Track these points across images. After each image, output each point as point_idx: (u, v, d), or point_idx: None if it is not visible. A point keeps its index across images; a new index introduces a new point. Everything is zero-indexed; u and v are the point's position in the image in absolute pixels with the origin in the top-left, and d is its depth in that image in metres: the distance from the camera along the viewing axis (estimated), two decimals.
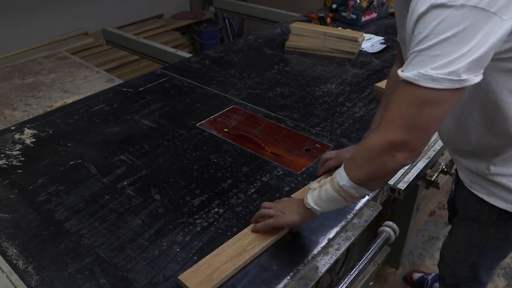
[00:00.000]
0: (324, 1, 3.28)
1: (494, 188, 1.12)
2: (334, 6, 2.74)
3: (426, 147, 1.47)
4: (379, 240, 1.18)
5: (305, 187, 1.26)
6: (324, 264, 1.05)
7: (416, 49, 0.78)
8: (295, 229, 1.12)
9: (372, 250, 1.15)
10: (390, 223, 1.21)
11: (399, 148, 0.83)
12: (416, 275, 2.07)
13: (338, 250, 1.09)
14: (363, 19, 2.59)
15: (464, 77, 0.75)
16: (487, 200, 1.14)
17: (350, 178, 0.91)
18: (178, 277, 0.97)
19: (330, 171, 1.28)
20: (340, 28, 2.39)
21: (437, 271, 1.55)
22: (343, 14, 2.63)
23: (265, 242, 1.06)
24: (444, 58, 0.75)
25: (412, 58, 0.79)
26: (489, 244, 1.24)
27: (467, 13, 0.73)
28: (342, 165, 0.95)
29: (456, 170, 1.29)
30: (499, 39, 0.76)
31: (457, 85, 0.76)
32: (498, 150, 1.06)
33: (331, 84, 1.91)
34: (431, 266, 2.18)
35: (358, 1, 2.60)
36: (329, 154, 1.32)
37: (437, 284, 1.88)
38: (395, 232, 1.20)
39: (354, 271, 1.10)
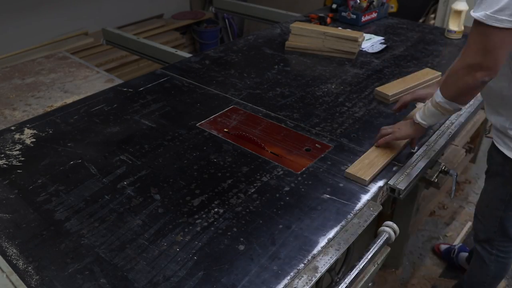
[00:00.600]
0: (324, 1, 3.28)
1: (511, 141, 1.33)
2: (334, 6, 2.73)
3: (427, 147, 1.47)
4: (379, 240, 1.18)
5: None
6: (324, 264, 1.05)
7: None
8: (414, 143, 1.42)
9: (372, 250, 1.15)
10: (390, 223, 1.21)
11: (476, 68, 1.08)
12: (444, 246, 2.22)
13: (338, 250, 1.09)
14: (363, 19, 2.59)
15: None
16: (508, 155, 1.35)
17: (444, 96, 1.20)
18: (346, 170, 1.30)
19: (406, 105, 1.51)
20: (340, 28, 2.38)
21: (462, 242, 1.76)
22: (343, 14, 2.63)
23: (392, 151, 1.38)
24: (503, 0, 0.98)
25: (480, 1, 1.03)
26: None
27: None
28: (439, 86, 1.23)
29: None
30: None
31: None
32: None
33: (331, 84, 1.91)
34: (431, 266, 2.18)
35: (358, 1, 2.60)
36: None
37: (463, 253, 2.09)
38: (395, 232, 1.20)
39: (354, 271, 1.10)
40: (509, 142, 1.35)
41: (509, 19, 0.99)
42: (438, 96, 1.23)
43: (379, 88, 1.78)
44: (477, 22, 1.04)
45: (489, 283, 1.70)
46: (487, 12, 1.00)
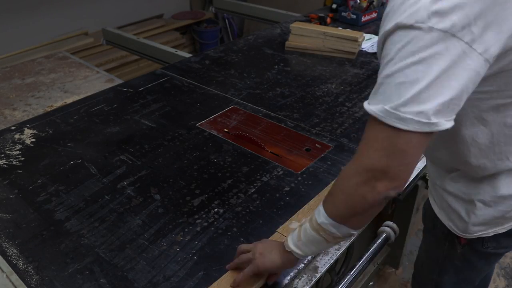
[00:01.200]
0: (324, 1, 3.28)
1: (443, 203, 1.05)
2: (334, 6, 2.73)
3: None
4: (379, 240, 1.18)
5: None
6: (324, 264, 1.05)
7: (382, 74, 0.71)
8: (274, 278, 0.98)
9: (372, 250, 1.15)
10: (390, 223, 1.21)
11: (378, 176, 0.72)
12: None
13: (338, 250, 1.09)
14: (363, 19, 2.59)
15: (434, 120, 0.66)
16: (436, 213, 1.08)
17: (328, 214, 0.81)
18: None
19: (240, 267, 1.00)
20: (340, 28, 2.38)
21: None
22: (343, 14, 2.63)
23: None
24: (409, 88, 0.66)
25: (378, 86, 0.72)
26: (448, 262, 1.13)
27: (435, 37, 0.65)
28: (322, 201, 0.84)
29: None
30: (474, 75, 0.67)
31: (427, 129, 0.67)
32: (455, 167, 0.99)
33: (331, 84, 1.91)
34: None
35: (358, 1, 2.60)
36: (244, 246, 1.02)
37: None
38: (395, 232, 1.20)
39: (354, 271, 1.10)
40: (440, 198, 1.07)
41: (415, 118, 0.66)
42: (320, 215, 0.83)
43: None
44: (373, 120, 0.72)
45: None
46: (386, 107, 0.68)
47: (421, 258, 1.29)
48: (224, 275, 1.00)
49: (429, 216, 1.14)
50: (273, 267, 0.94)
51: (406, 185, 0.76)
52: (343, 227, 0.81)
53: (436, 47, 0.65)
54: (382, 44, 0.74)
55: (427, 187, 1.73)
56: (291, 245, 0.89)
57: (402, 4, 0.69)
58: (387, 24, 0.71)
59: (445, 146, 0.95)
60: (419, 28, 0.66)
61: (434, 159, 1.05)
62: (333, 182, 0.89)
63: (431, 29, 0.65)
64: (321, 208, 0.83)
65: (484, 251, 1.04)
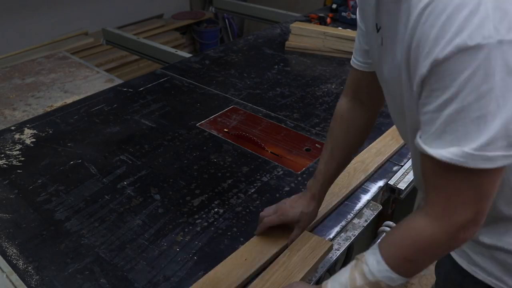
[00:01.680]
0: (324, 1, 3.28)
1: (477, 256, 0.86)
2: (334, 6, 2.73)
3: None
4: (379, 240, 1.17)
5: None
6: (324, 264, 1.05)
7: (444, 112, 0.59)
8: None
9: None
10: (390, 223, 1.21)
11: (468, 226, 0.66)
12: None
13: (338, 250, 1.09)
14: None
15: None
16: (468, 270, 0.88)
17: (399, 272, 0.72)
18: None
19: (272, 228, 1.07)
20: (340, 28, 2.38)
21: None
22: (343, 14, 2.63)
23: None
24: (493, 120, 0.56)
25: (442, 125, 0.60)
26: None
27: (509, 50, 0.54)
28: (370, 266, 0.74)
29: None
30: None
31: None
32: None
33: (331, 84, 1.91)
34: (431, 266, 2.17)
35: None
36: (268, 210, 1.08)
37: None
38: None
39: None
40: (471, 252, 0.87)
41: (504, 153, 0.58)
42: (382, 272, 0.73)
43: None
44: (449, 167, 0.61)
45: None
46: (467, 150, 0.58)
47: None
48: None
49: (454, 281, 0.94)
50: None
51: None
52: (404, 278, 0.73)
53: None
54: (427, 73, 0.59)
55: None
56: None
57: (447, 24, 0.55)
58: (436, 48, 0.57)
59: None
60: (487, 46, 0.54)
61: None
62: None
63: (501, 42, 0.53)
64: (384, 265, 0.73)
65: None
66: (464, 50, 0.54)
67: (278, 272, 0.95)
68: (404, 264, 0.72)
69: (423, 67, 0.59)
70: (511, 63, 0.54)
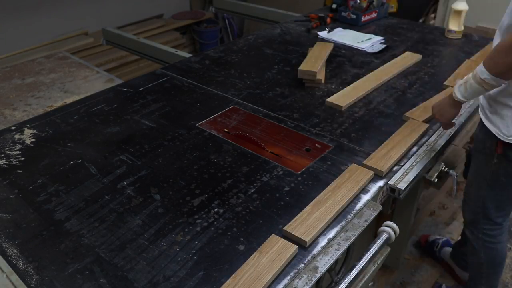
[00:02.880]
0: (324, 1, 3.28)
1: (493, 115, 1.33)
2: (334, 6, 2.73)
3: (427, 147, 1.47)
4: (379, 240, 1.18)
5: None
6: (324, 264, 1.05)
7: None
8: (451, 126, 1.46)
9: (372, 250, 1.15)
10: (390, 223, 1.21)
11: None
12: (431, 238, 2.20)
13: (338, 250, 1.09)
14: (363, 19, 2.59)
15: None
16: (486, 125, 1.36)
17: (491, 72, 1.18)
18: (284, 228, 1.10)
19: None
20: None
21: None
22: (343, 14, 2.63)
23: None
24: None
25: None
26: (494, 178, 1.41)
27: None
28: (481, 63, 1.21)
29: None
30: None
31: None
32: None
33: (331, 84, 1.91)
34: (431, 266, 2.18)
35: (358, 1, 2.60)
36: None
37: (447, 248, 2.07)
38: (395, 232, 1.20)
39: (354, 271, 1.10)
40: (490, 111, 1.36)
41: None
42: (483, 73, 1.20)
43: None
44: None
45: (486, 274, 1.66)
46: None
47: (470, 180, 1.53)
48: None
49: (480, 138, 1.42)
50: (453, 116, 1.40)
51: None
52: (500, 80, 1.19)
53: None
54: None
55: (427, 187, 1.74)
56: (459, 96, 1.31)
57: None
58: None
59: None
60: None
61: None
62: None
63: None
64: (483, 68, 1.20)
65: None
66: None
67: (249, 272, 1.00)
68: (492, 66, 1.18)
69: None
70: None
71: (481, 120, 1.42)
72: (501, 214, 1.52)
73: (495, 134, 1.34)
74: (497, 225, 1.54)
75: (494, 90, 1.30)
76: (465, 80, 1.29)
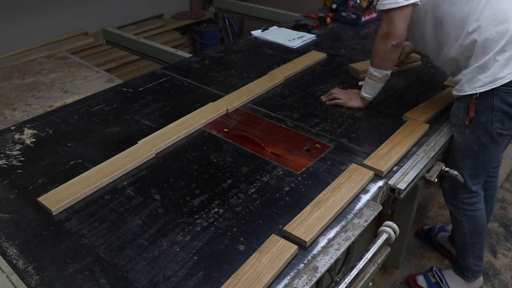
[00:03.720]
0: (324, 1, 3.28)
1: (466, 80, 1.45)
2: (334, 6, 2.73)
3: (427, 147, 1.47)
4: (379, 240, 1.18)
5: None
6: (324, 264, 1.05)
7: None
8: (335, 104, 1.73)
9: (372, 250, 1.15)
10: (390, 223, 1.21)
11: (386, 36, 1.48)
12: (426, 227, 2.30)
13: (338, 250, 1.09)
14: (363, 19, 2.59)
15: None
16: (454, 93, 1.51)
17: (372, 65, 1.59)
18: (284, 228, 1.11)
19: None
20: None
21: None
22: (343, 14, 2.63)
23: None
24: None
25: None
26: (468, 147, 1.53)
27: None
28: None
29: None
30: None
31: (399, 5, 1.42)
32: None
33: (331, 84, 1.91)
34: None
35: (358, 1, 2.60)
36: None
37: (444, 233, 2.20)
38: (395, 232, 1.20)
39: (354, 271, 1.10)
40: (458, 84, 1.50)
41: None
42: (370, 68, 1.60)
43: (352, 64, 2.00)
44: (382, 11, 1.46)
45: (471, 244, 1.78)
46: (384, 1, 1.44)
47: (450, 152, 1.62)
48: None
49: (454, 112, 1.53)
50: (358, 106, 1.69)
51: (401, 38, 1.48)
52: (381, 71, 1.58)
53: None
54: None
55: (427, 187, 1.74)
56: (363, 93, 1.66)
57: None
58: None
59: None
60: None
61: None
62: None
63: None
64: (370, 65, 1.60)
65: (493, 131, 1.44)
66: None
67: (249, 272, 0.99)
68: (372, 61, 1.59)
69: None
70: None
71: (456, 98, 1.53)
72: (476, 182, 1.64)
73: (472, 92, 1.42)
74: (474, 193, 1.66)
75: (460, 65, 1.49)
76: (365, 79, 1.63)
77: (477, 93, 1.41)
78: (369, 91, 1.63)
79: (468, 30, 1.40)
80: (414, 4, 1.43)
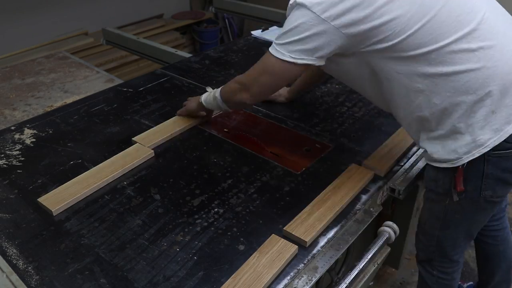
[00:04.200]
0: None
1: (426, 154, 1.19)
2: None
3: None
4: (379, 240, 1.18)
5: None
6: (324, 264, 1.05)
7: None
8: (201, 119, 1.59)
9: (372, 250, 1.15)
10: (390, 223, 1.21)
11: (244, 88, 1.24)
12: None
13: (338, 250, 1.09)
14: None
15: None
16: (435, 166, 1.18)
17: (221, 95, 1.36)
18: (284, 228, 1.11)
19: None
20: None
21: (475, 280, 1.59)
22: None
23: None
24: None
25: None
26: (448, 217, 1.26)
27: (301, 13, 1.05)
28: (222, 87, 1.37)
29: None
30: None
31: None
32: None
33: (331, 84, 1.91)
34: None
35: None
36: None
37: None
38: (395, 232, 1.20)
39: (354, 271, 1.10)
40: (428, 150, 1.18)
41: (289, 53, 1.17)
42: (218, 92, 1.38)
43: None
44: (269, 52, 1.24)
45: None
46: (275, 40, 1.20)
47: (422, 218, 1.38)
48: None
49: (430, 176, 1.24)
50: (192, 109, 1.55)
51: (254, 103, 1.35)
52: (224, 104, 1.37)
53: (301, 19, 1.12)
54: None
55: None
56: (202, 98, 1.47)
57: None
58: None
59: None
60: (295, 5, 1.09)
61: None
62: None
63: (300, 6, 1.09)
64: (221, 89, 1.37)
65: (481, 199, 1.16)
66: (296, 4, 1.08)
67: (249, 272, 0.99)
68: (223, 91, 1.36)
69: None
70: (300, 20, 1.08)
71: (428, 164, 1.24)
72: (459, 251, 1.39)
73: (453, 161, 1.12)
74: (454, 262, 1.40)
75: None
76: (214, 91, 1.42)
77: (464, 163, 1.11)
78: (209, 104, 1.46)
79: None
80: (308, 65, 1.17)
